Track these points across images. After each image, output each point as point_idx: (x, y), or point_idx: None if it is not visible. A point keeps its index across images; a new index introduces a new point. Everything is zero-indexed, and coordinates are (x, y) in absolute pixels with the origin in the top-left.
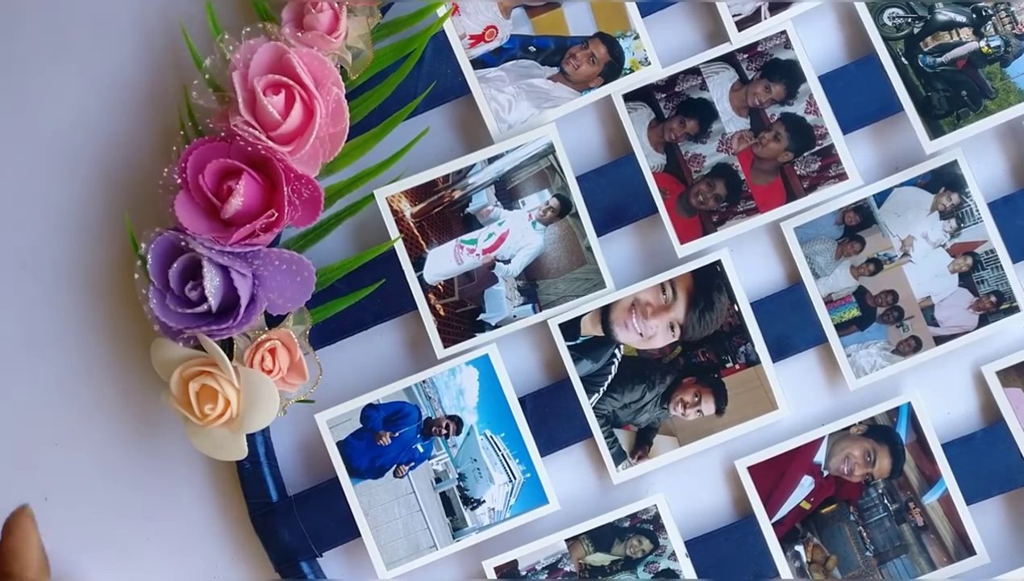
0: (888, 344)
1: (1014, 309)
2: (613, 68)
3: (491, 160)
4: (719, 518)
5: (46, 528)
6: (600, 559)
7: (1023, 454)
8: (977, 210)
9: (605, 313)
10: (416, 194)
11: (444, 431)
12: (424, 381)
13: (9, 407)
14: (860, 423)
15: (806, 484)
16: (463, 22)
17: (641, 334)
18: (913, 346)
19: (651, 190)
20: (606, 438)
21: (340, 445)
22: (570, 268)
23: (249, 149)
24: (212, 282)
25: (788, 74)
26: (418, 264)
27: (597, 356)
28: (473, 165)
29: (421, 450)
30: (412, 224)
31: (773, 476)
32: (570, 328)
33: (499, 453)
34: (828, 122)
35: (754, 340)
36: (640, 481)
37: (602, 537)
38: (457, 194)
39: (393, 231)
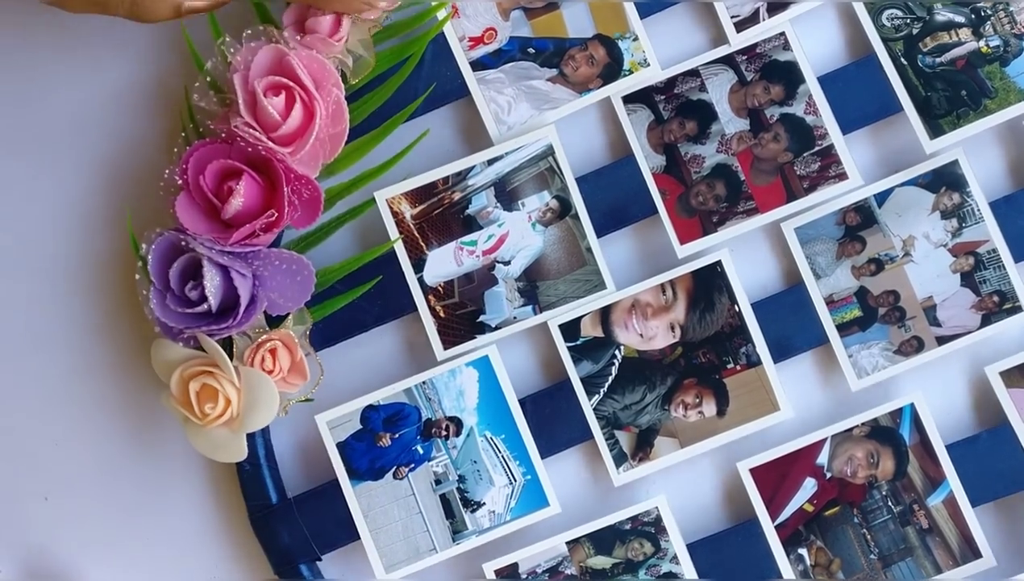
0: (890, 345)
1: (1017, 309)
2: (612, 70)
3: (491, 162)
4: (721, 521)
5: (46, 528)
6: (601, 562)
7: None
8: (978, 210)
9: (605, 314)
10: (416, 196)
11: (444, 433)
12: (424, 382)
13: (9, 406)
14: (863, 424)
15: (809, 486)
16: (462, 24)
17: (641, 335)
18: (915, 346)
19: (651, 191)
20: (607, 440)
21: (340, 446)
22: (570, 269)
23: (249, 150)
24: (212, 282)
25: (787, 75)
26: (418, 266)
27: (597, 357)
28: (473, 167)
29: (421, 452)
30: (412, 226)
31: (775, 478)
32: (570, 329)
33: (499, 455)
34: (828, 122)
35: (755, 341)
36: (641, 483)
37: (603, 540)
38: (457, 196)
39: (393, 232)
